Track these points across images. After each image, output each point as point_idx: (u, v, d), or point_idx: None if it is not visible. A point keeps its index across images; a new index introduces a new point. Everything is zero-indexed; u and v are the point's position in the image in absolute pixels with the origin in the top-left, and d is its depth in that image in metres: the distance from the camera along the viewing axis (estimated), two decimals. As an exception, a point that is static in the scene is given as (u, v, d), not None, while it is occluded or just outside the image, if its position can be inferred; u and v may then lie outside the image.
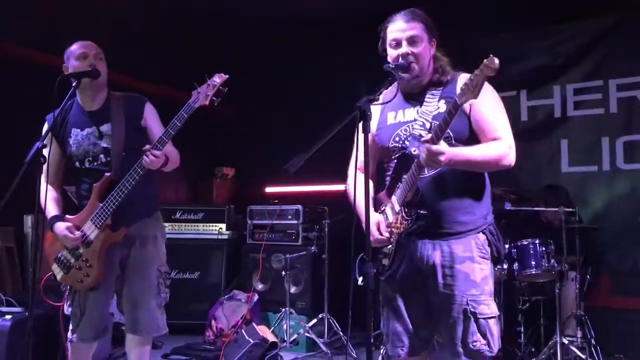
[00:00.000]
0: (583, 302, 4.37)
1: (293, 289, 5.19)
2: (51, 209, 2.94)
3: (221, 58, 5.98)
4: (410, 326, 2.41)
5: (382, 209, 2.44)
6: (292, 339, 4.80)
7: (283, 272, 5.05)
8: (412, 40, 2.33)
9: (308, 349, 4.92)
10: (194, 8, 5.30)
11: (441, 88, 2.38)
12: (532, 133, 5.43)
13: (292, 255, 5.09)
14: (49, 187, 2.97)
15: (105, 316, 3.08)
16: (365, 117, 2.11)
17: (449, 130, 2.20)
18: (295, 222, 5.45)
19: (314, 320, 4.96)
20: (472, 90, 2.02)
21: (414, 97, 2.42)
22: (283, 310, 4.95)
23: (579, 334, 4.21)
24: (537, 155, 5.40)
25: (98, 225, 2.86)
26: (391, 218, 2.37)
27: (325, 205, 5.47)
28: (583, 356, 4.05)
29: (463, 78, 2.30)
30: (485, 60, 2.00)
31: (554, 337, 4.12)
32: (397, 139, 2.41)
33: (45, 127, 2.96)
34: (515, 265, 4.26)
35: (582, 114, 5.22)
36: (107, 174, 2.90)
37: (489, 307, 2.30)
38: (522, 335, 4.42)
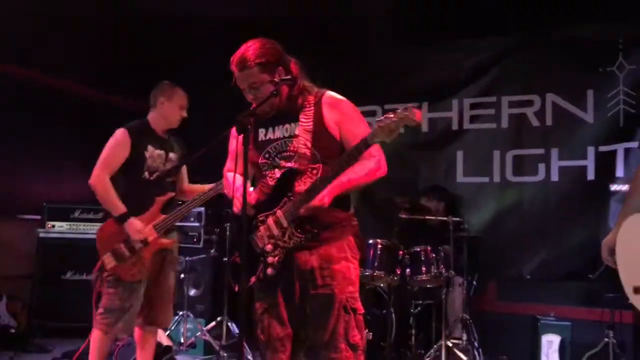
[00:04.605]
0: (469, 307, 4.62)
1: (193, 292, 5.16)
2: (122, 204, 3.37)
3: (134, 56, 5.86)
4: (290, 330, 2.48)
5: (261, 218, 2.46)
6: (189, 342, 4.78)
7: (182, 275, 5.01)
8: (253, 87, 2.38)
9: (205, 353, 4.91)
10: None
11: (311, 107, 2.42)
12: (431, 144, 5.68)
13: (193, 257, 5.05)
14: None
15: None
16: (246, 130, 2.16)
17: (316, 152, 2.35)
18: (197, 224, 5.41)
19: (212, 324, 4.95)
20: (388, 134, 2.09)
21: (283, 115, 2.45)
22: (181, 313, 4.91)
23: (464, 337, 4.45)
24: (435, 166, 5.65)
25: (158, 232, 3.42)
26: (275, 231, 2.41)
27: (228, 208, 5.44)
28: (465, 358, 4.27)
29: (328, 97, 2.43)
30: (406, 111, 2.05)
31: (440, 340, 4.32)
32: (267, 155, 2.47)
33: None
34: (408, 271, 4.44)
35: (477, 128, 5.51)
36: (171, 193, 3.53)
37: (360, 304, 2.45)
38: (414, 337, 4.61)
